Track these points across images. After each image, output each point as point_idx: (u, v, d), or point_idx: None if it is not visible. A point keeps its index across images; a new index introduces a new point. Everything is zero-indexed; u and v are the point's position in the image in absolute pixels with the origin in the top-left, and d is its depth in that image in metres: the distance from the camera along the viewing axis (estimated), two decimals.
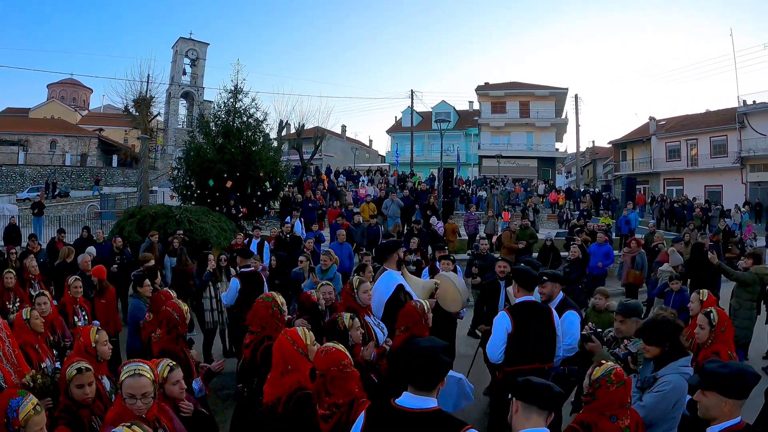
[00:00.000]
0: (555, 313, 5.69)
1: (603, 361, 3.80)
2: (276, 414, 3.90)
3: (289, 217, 17.09)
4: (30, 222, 26.68)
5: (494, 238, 19.72)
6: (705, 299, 6.28)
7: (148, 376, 3.62)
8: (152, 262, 10.22)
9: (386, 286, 6.39)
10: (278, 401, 3.89)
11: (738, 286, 9.56)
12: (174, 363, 4.18)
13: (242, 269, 9.09)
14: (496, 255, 13.28)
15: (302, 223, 15.25)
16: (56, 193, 44.34)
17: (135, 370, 3.62)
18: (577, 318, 6.12)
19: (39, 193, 34.59)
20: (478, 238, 15.94)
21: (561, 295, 6.41)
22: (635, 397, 4.11)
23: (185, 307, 5.39)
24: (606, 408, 3.53)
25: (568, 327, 5.96)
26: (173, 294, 6.15)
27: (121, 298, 11.60)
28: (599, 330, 5.46)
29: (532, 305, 5.56)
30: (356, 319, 5.15)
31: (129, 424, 3.00)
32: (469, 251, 13.84)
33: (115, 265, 12.13)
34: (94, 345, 4.66)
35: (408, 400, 3.06)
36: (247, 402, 4.93)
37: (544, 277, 6.36)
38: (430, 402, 3.03)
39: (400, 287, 6.32)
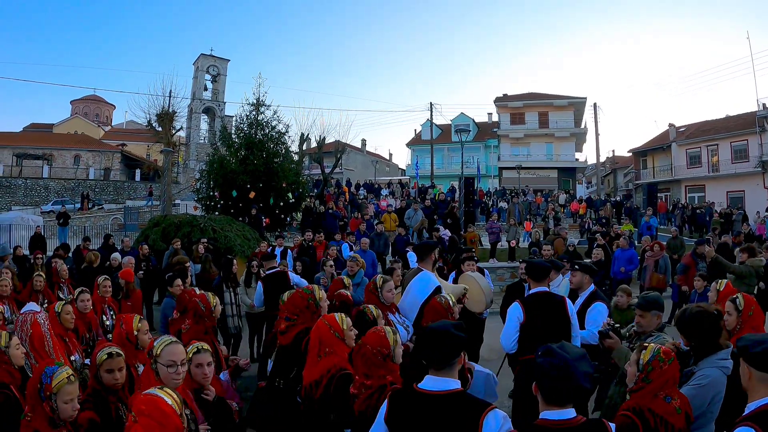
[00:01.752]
0: (570, 303, 5.73)
1: (645, 345, 3.75)
2: (314, 396, 3.96)
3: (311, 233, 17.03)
4: (55, 232, 27.08)
5: (513, 243, 19.90)
6: (722, 289, 6.13)
7: (182, 345, 3.75)
8: (187, 264, 10.31)
9: (425, 286, 6.35)
10: (316, 384, 3.97)
11: (735, 279, 9.69)
12: (203, 345, 4.12)
13: (267, 271, 9.23)
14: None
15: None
16: (91, 205, 44.84)
17: (169, 339, 3.74)
18: (605, 309, 6.18)
19: (62, 207, 35.03)
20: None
21: (592, 287, 6.54)
22: None
23: (214, 300, 5.47)
24: (661, 388, 3.47)
25: (594, 317, 6.08)
26: (197, 290, 6.22)
27: (146, 305, 11.73)
28: (617, 325, 5.47)
29: (545, 296, 5.68)
30: (380, 311, 5.18)
31: (161, 387, 3.05)
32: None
33: (141, 272, 12.28)
34: (136, 333, 4.73)
35: (430, 383, 3.10)
36: (284, 392, 4.90)
37: (576, 266, 6.64)
38: (452, 384, 3.07)
39: (438, 289, 6.22)
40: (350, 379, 3.86)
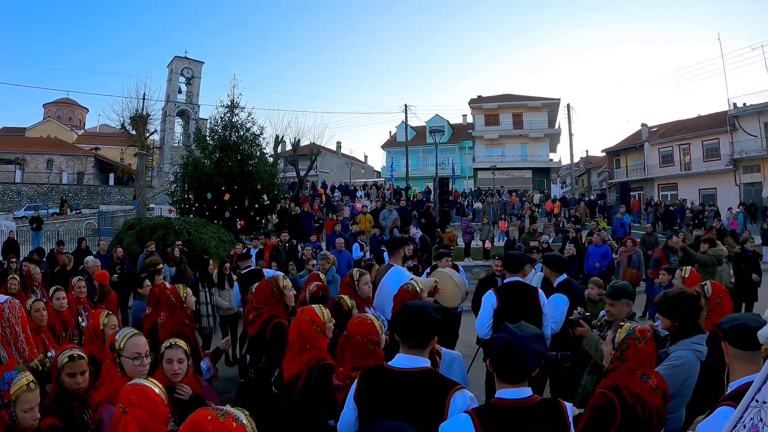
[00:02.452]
0: (542, 294, 5.94)
1: (621, 324, 3.82)
2: (295, 389, 3.97)
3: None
4: (28, 238, 26.78)
5: (488, 243, 20.07)
6: (687, 276, 6.25)
7: (144, 337, 3.73)
8: (160, 266, 10.31)
9: (399, 279, 6.31)
10: (298, 376, 3.98)
11: (698, 267, 10.00)
12: (177, 342, 4.05)
13: (242, 271, 9.28)
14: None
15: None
16: (71, 210, 44.35)
17: (132, 332, 3.71)
18: (563, 301, 6.33)
19: (35, 212, 34.64)
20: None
21: (563, 276, 6.74)
22: None
23: (184, 291, 5.48)
24: (637, 367, 3.49)
25: (551, 308, 6.23)
26: (168, 285, 6.23)
27: (121, 308, 11.69)
28: (587, 314, 5.62)
29: (518, 285, 5.94)
30: (354, 302, 5.21)
31: (146, 377, 3.07)
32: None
33: (116, 275, 12.23)
34: (102, 328, 4.65)
35: (400, 360, 3.17)
36: (257, 383, 4.97)
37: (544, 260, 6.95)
38: (422, 362, 3.13)
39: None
40: (331, 369, 3.87)
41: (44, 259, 14.19)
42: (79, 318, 7.46)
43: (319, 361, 4.00)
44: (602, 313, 5.90)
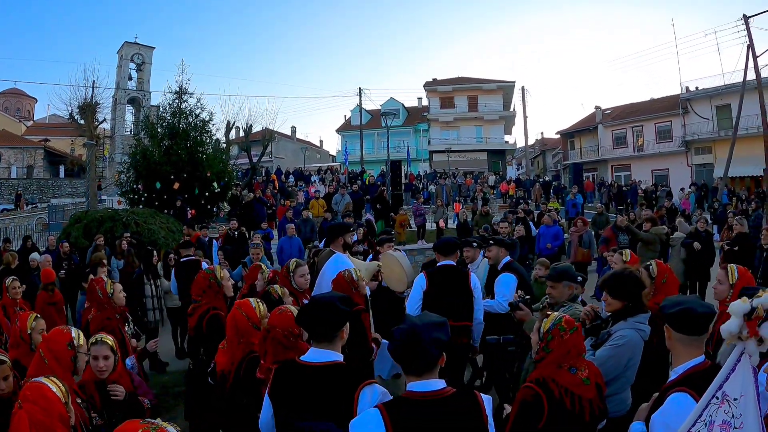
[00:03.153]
0: (474, 277, 6.08)
1: (549, 312, 3.71)
2: (228, 382, 3.97)
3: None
4: None
5: (441, 223, 20.24)
6: (628, 259, 6.45)
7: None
8: (104, 261, 10.15)
9: (338, 268, 6.17)
10: (229, 371, 3.99)
11: (641, 245, 10.92)
12: (101, 337, 4.03)
13: (181, 259, 9.22)
14: None
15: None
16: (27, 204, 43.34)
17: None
18: (511, 279, 6.54)
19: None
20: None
21: (507, 258, 6.96)
22: (588, 354, 3.91)
23: (112, 287, 5.45)
24: (563, 359, 3.37)
25: (501, 288, 6.51)
26: (104, 278, 6.14)
27: (71, 304, 11.50)
28: (527, 297, 5.65)
29: (449, 268, 6.06)
30: (286, 290, 5.20)
31: (48, 376, 3.02)
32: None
33: (63, 271, 12.01)
34: (29, 332, 4.52)
35: (311, 354, 3.12)
36: (195, 374, 4.99)
37: (490, 241, 7.18)
38: (333, 356, 3.09)
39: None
40: (258, 361, 3.83)
41: None
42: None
43: (249, 353, 3.99)
44: (545, 298, 5.92)
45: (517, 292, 5.89)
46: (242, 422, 3.86)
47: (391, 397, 2.93)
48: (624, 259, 6.50)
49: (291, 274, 5.76)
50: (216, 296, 5.20)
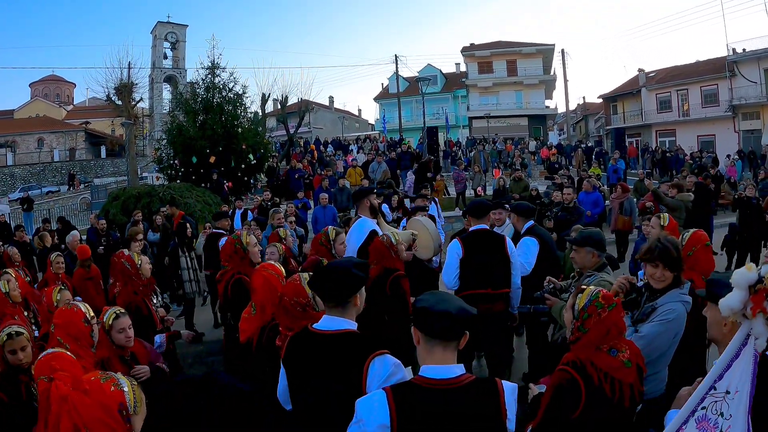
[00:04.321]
0: (509, 241, 5.78)
1: (583, 287, 3.26)
2: (251, 349, 4.00)
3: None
4: (21, 219, 26.62)
5: (479, 190, 19.89)
6: (666, 223, 6.00)
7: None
8: (140, 236, 10.07)
9: (360, 233, 6.20)
10: (253, 338, 4.02)
11: (668, 211, 10.20)
12: (121, 310, 4.15)
13: (211, 230, 9.17)
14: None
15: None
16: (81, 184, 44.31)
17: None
18: (533, 243, 6.33)
19: (24, 193, 34.56)
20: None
21: (530, 223, 6.70)
22: (629, 332, 3.54)
23: (139, 259, 5.44)
24: (601, 339, 2.99)
25: (523, 250, 6.27)
26: (126, 252, 6.05)
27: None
28: (552, 286, 5.27)
29: (484, 233, 5.76)
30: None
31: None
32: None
33: (102, 247, 12.01)
34: (56, 305, 4.58)
35: (324, 322, 2.97)
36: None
37: (507, 206, 7.05)
38: (346, 324, 2.92)
39: (374, 233, 6.02)
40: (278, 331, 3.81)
41: (31, 239, 14.04)
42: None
43: (272, 321, 3.98)
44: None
45: (546, 279, 5.46)
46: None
47: (404, 370, 2.78)
48: (662, 224, 6.03)
49: (332, 242, 5.66)
50: (242, 262, 5.21)
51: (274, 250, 6.29)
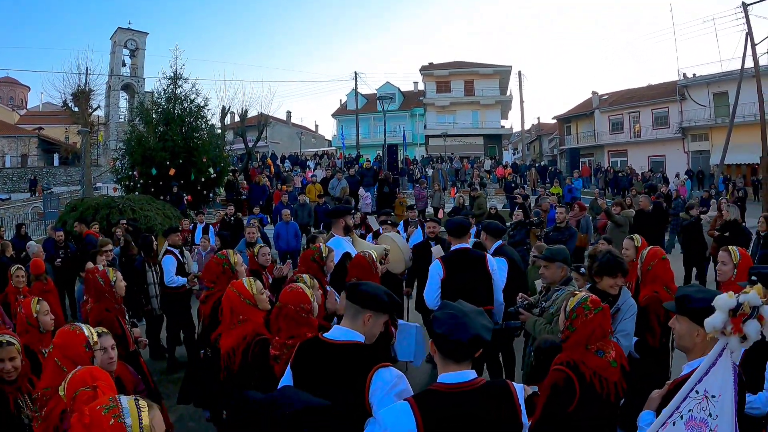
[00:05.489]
0: (490, 259, 5.91)
1: (576, 292, 3.76)
2: (234, 363, 4.00)
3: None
4: None
5: (440, 213, 20.19)
6: (639, 244, 6.16)
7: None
8: (109, 247, 9.97)
9: (336, 251, 6.22)
10: (234, 352, 4.01)
11: (612, 227, 11.74)
12: (103, 330, 4.05)
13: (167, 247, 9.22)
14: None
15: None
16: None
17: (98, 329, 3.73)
18: (503, 263, 6.36)
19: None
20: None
21: (499, 242, 6.80)
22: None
23: (113, 275, 5.32)
24: (588, 339, 3.38)
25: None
26: (100, 267, 6.08)
27: (69, 293, 11.42)
28: (526, 303, 5.54)
29: (464, 252, 5.84)
30: (315, 280, 5.02)
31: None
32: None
33: (59, 260, 11.89)
34: (35, 315, 4.52)
35: (335, 332, 3.17)
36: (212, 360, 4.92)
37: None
38: (354, 335, 3.11)
39: (347, 255, 6.14)
40: (267, 343, 3.90)
41: None
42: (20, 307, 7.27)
43: (255, 335, 4.04)
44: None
45: (519, 296, 5.76)
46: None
47: (407, 382, 2.93)
48: (636, 245, 6.22)
49: (325, 259, 5.60)
50: (230, 282, 5.01)
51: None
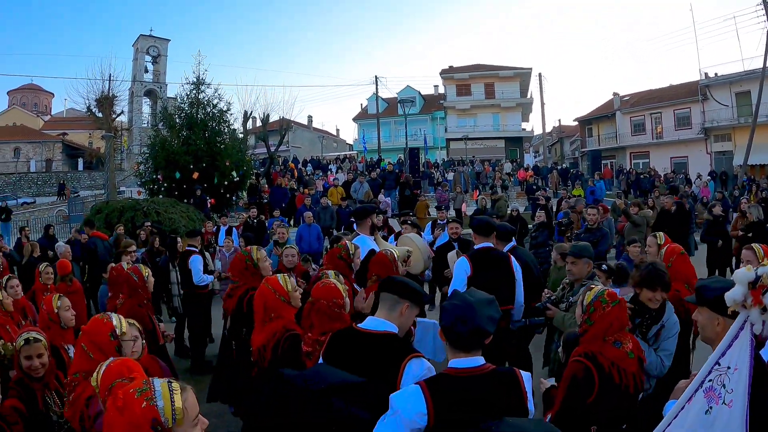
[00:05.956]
0: (513, 259, 5.89)
1: (592, 286, 3.81)
2: (265, 359, 4.03)
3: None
4: None
5: (463, 206, 20.28)
6: (662, 242, 6.12)
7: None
8: (132, 248, 10.10)
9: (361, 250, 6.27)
10: (264, 348, 4.04)
11: (630, 227, 11.71)
12: (130, 321, 3.94)
13: (187, 247, 9.31)
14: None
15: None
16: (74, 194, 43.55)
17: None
18: (516, 266, 6.23)
19: (2, 202, 34.10)
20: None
21: (511, 244, 6.74)
22: (650, 353, 4.03)
23: (146, 271, 5.45)
24: (605, 331, 3.43)
25: None
26: (125, 266, 6.18)
27: (92, 293, 11.54)
28: (553, 297, 5.65)
29: (489, 251, 5.81)
30: (341, 276, 5.10)
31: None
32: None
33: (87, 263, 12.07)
34: (56, 311, 4.52)
35: (368, 322, 3.21)
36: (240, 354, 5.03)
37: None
38: (388, 326, 3.15)
39: (373, 253, 6.10)
40: (298, 339, 3.94)
41: (11, 249, 13.94)
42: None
43: (286, 331, 4.05)
44: (565, 278, 5.91)
45: (545, 292, 5.79)
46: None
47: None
48: (659, 242, 6.21)
49: (352, 256, 5.65)
50: (253, 277, 5.26)
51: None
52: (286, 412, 2.45)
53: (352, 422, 2.27)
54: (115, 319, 3.57)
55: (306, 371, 2.49)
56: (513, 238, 7.03)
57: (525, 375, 2.70)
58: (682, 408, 2.67)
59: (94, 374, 2.89)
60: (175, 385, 2.07)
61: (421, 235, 9.09)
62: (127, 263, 8.24)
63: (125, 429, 1.96)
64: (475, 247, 5.96)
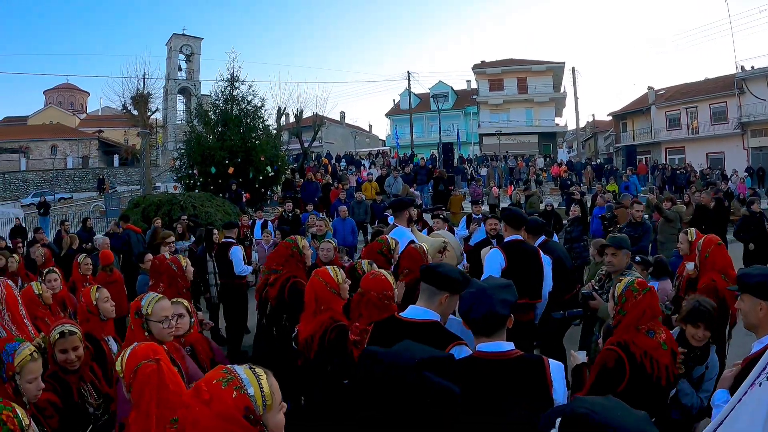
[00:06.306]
0: (542, 252, 5.76)
1: (621, 278, 3.81)
2: (312, 350, 4.07)
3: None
4: (36, 223, 26.86)
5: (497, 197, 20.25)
6: (693, 239, 6.02)
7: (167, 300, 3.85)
8: (171, 239, 10.18)
9: (399, 240, 6.24)
10: (313, 337, 4.08)
11: (663, 222, 11.39)
12: (175, 300, 4.21)
13: (225, 239, 9.47)
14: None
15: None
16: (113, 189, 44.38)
17: (157, 296, 3.81)
18: (547, 260, 5.95)
19: (41, 197, 34.79)
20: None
21: (542, 239, 6.58)
22: (693, 396, 3.86)
23: (185, 261, 5.52)
24: (638, 320, 3.41)
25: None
26: (167, 255, 6.24)
27: (130, 286, 11.68)
28: (596, 289, 5.60)
29: (519, 243, 5.67)
30: (374, 265, 5.07)
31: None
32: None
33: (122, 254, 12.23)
34: (95, 303, 4.49)
35: (411, 311, 3.27)
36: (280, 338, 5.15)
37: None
38: (431, 314, 3.19)
39: (412, 243, 5.95)
40: (346, 330, 3.97)
41: (50, 241, 14.19)
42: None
43: (333, 322, 4.09)
44: (602, 269, 5.89)
45: (590, 281, 5.77)
46: (326, 387, 4.00)
47: None
48: (690, 239, 6.13)
49: (392, 251, 5.57)
50: (297, 265, 5.34)
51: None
52: (381, 391, 2.42)
53: (445, 395, 2.26)
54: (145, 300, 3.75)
55: (393, 348, 2.46)
56: (543, 232, 6.91)
57: (554, 364, 2.74)
58: (739, 401, 2.60)
59: (118, 359, 2.87)
60: (259, 370, 2.03)
61: (453, 230, 9.04)
62: (168, 253, 8.35)
63: (215, 423, 1.89)
64: (506, 239, 5.76)
